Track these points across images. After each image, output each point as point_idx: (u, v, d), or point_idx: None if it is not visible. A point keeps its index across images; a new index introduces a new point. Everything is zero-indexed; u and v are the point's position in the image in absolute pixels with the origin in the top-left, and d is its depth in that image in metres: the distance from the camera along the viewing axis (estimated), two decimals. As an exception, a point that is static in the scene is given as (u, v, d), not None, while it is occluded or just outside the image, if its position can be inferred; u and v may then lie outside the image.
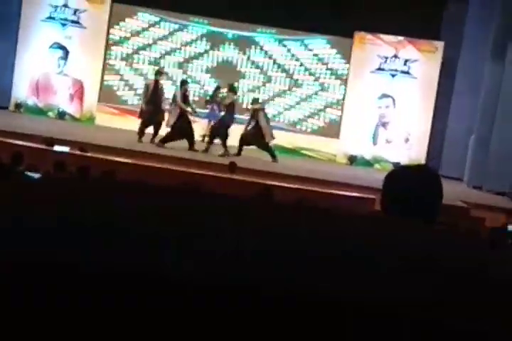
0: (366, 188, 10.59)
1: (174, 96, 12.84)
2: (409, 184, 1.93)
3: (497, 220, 9.61)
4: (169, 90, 13.58)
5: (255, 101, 13.19)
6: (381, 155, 15.03)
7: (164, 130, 12.78)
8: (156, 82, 13.02)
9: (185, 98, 12.78)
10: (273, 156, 12.80)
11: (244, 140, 12.71)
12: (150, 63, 15.29)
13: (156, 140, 12.64)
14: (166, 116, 12.79)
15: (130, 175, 8.85)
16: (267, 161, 12.70)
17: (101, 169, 8.23)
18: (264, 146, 12.82)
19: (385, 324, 0.72)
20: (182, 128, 12.54)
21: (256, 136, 12.66)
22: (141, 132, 12.78)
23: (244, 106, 14.27)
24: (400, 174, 2.03)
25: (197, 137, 13.09)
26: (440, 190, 1.95)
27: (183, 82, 13.13)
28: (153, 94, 12.81)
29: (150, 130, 12.91)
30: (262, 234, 0.85)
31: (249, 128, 12.84)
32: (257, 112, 12.78)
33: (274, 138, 12.95)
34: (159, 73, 13.29)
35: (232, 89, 13.01)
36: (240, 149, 12.67)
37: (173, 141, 12.49)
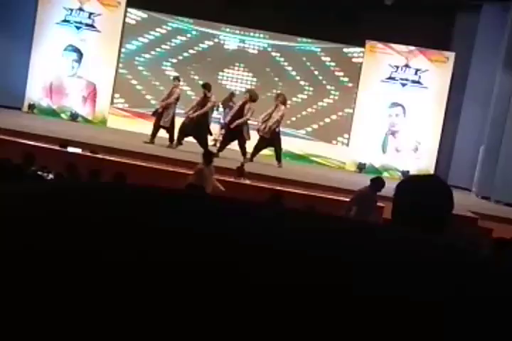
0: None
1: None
2: (420, 194, 1.96)
3: (505, 231, 9.64)
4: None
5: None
6: (390, 163, 15.08)
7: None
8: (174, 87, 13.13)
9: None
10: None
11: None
12: (163, 67, 15.43)
13: (174, 143, 12.87)
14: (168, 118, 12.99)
15: (140, 177, 8.96)
16: (277, 167, 12.78)
17: (112, 171, 8.33)
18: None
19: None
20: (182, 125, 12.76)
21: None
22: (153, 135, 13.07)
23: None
24: (410, 184, 2.06)
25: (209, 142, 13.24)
26: (451, 201, 1.98)
27: (174, 79, 13.25)
28: (167, 99, 13.02)
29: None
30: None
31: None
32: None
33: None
34: (176, 79, 13.41)
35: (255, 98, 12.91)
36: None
37: (183, 137, 12.74)
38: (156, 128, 12.96)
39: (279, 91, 13.99)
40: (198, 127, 12.59)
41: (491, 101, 14.02)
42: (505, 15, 13.81)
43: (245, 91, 13.35)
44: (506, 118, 13.42)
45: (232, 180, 10.45)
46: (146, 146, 12.47)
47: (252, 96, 12.86)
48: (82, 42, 15.40)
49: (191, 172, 9.50)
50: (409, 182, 2.09)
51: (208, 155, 9.46)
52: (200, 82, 13.71)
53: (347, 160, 15.13)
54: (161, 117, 12.94)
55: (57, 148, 10.46)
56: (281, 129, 14.68)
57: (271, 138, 12.76)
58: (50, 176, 8.29)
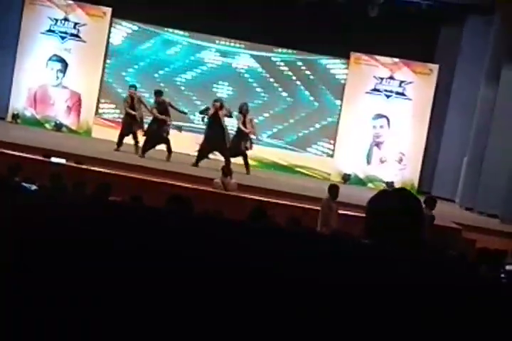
0: (359, 207, 10.67)
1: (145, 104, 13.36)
2: (390, 210, 2.00)
3: (488, 242, 9.70)
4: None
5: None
6: (374, 174, 15.15)
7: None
8: (132, 93, 13.30)
9: (160, 107, 12.99)
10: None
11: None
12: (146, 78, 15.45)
13: (139, 150, 12.94)
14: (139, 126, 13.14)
15: (126, 188, 8.92)
16: (261, 177, 12.79)
17: (96, 181, 8.28)
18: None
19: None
20: (154, 135, 12.81)
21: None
22: (119, 142, 13.16)
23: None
24: (381, 199, 2.09)
25: (191, 152, 13.29)
26: (420, 215, 2.02)
27: (157, 93, 13.30)
28: (131, 106, 13.18)
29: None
30: None
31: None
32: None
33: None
34: (133, 86, 13.60)
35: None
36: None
37: (149, 148, 12.82)
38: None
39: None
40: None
41: (474, 113, 14.14)
42: (488, 28, 13.96)
43: (214, 100, 13.29)
44: (489, 129, 13.52)
45: (218, 191, 10.44)
46: (131, 157, 12.44)
47: (222, 104, 12.96)
48: (66, 52, 15.37)
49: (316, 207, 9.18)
50: (380, 198, 2.12)
51: (335, 189, 9.02)
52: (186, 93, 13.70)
53: (332, 171, 15.17)
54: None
55: (41, 158, 10.40)
56: (265, 140, 14.78)
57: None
58: (34, 187, 8.22)
